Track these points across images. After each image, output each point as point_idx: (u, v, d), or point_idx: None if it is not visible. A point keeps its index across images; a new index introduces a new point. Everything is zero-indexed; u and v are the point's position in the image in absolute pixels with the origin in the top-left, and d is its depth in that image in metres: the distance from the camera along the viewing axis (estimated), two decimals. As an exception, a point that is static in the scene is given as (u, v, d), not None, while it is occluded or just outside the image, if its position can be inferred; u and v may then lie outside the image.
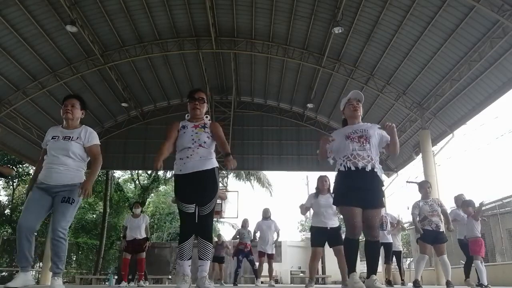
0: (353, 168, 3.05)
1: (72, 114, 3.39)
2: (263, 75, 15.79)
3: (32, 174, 3.57)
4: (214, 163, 3.39)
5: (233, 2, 12.03)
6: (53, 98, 14.09)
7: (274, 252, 8.51)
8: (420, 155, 13.53)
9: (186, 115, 3.56)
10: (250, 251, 9.28)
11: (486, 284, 6.08)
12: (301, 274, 16.48)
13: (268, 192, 25.17)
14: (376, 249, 3.08)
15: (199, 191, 3.30)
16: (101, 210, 23.02)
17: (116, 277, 15.21)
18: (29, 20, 10.90)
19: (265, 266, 8.82)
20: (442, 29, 10.51)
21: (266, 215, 8.59)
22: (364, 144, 3.09)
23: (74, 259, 21.25)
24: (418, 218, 6.09)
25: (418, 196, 6.38)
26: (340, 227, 5.56)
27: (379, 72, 13.26)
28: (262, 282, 9.17)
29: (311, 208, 5.70)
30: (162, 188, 27.71)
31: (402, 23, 10.83)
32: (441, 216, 6.10)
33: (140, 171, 25.68)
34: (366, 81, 13.58)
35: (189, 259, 3.31)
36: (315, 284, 5.64)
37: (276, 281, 15.88)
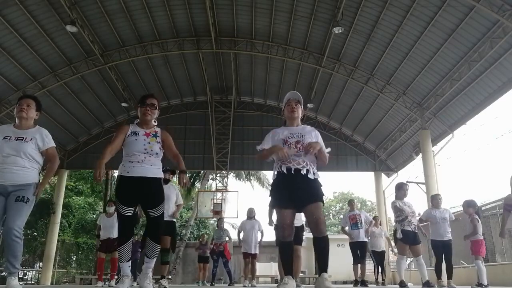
0: (285, 172, 3.05)
1: (27, 114, 3.32)
2: (263, 75, 15.78)
3: None
4: (161, 174, 3.43)
5: (233, 2, 12.03)
6: (53, 98, 14.09)
7: (257, 252, 8.45)
8: (420, 155, 13.54)
9: (136, 120, 3.53)
10: (224, 252, 9.27)
11: (486, 284, 6.08)
12: (301, 274, 16.48)
13: (268, 192, 25.15)
14: (324, 245, 2.97)
15: (146, 196, 3.32)
16: (101, 210, 23.01)
17: (116, 277, 15.19)
18: (29, 20, 10.90)
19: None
20: (442, 29, 10.51)
21: (250, 215, 8.55)
22: (301, 149, 3.08)
23: (74, 259, 21.23)
24: (397, 219, 6.08)
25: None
26: (303, 226, 5.56)
27: (379, 72, 13.26)
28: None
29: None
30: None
31: (402, 23, 10.83)
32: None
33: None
34: (366, 81, 13.57)
35: (129, 261, 3.35)
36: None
37: (276, 281, 15.87)
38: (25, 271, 20.07)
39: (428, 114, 13.15)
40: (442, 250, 6.27)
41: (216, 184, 18.49)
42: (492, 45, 9.83)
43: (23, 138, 3.24)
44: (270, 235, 8.46)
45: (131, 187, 3.30)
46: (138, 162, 3.30)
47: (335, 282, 15.45)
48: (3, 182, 3.13)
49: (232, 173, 22.15)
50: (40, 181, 3.33)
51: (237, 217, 16.62)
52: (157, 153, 3.38)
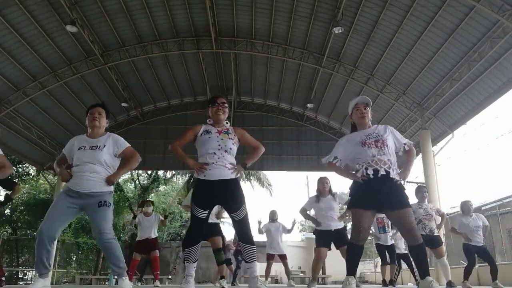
0: (372, 175, 2.98)
1: (99, 122, 3.44)
2: (263, 75, 15.78)
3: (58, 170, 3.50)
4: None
5: (233, 2, 12.03)
6: (53, 98, 14.09)
7: (285, 252, 8.50)
8: (420, 155, 13.53)
9: (208, 119, 3.56)
10: None
11: None
12: (301, 274, 16.46)
13: (268, 192, 25.15)
14: (424, 252, 2.91)
15: (227, 198, 3.31)
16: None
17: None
18: (29, 20, 10.90)
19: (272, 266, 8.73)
20: (442, 29, 10.51)
21: (273, 217, 8.60)
22: (383, 148, 3.04)
23: (74, 259, 21.26)
24: None
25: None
26: (345, 227, 5.56)
27: (379, 72, 13.26)
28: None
29: (312, 210, 5.71)
30: (162, 188, 27.70)
31: (402, 23, 10.83)
32: (436, 220, 6.18)
33: (140, 171, 25.67)
34: (366, 81, 13.57)
35: (195, 262, 3.34)
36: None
37: (276, 281, 15.86)
38: (25, 271, 20.09)
39: (428, 114, 13.15)
40: (476, 254, 6.35)
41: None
42: (492, 45, 9.83)
43: (97, 146, 3.34)
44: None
45: (209, 191, 3.28)
46: (213, 163, 3.29)
47: (335, 282, 15.44)
48: (80, 189, 3.21)
49: (232, 173, 22.14)
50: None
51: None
52: (230, 148, 3.38)
